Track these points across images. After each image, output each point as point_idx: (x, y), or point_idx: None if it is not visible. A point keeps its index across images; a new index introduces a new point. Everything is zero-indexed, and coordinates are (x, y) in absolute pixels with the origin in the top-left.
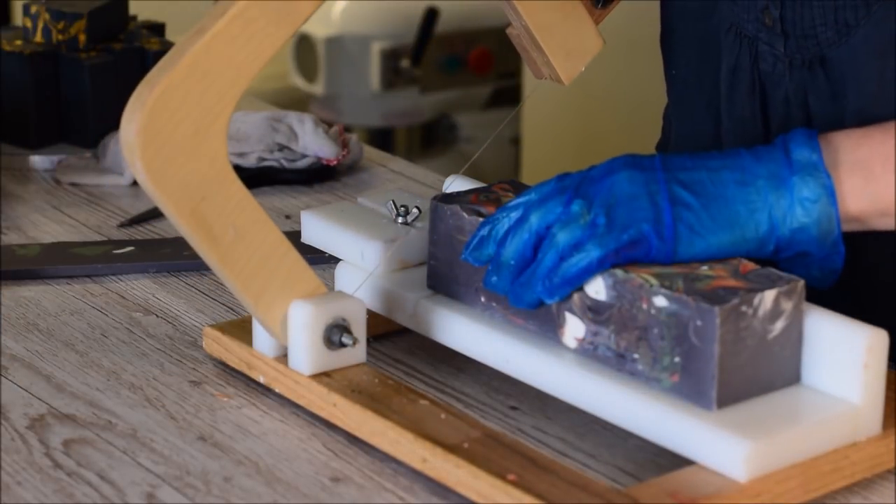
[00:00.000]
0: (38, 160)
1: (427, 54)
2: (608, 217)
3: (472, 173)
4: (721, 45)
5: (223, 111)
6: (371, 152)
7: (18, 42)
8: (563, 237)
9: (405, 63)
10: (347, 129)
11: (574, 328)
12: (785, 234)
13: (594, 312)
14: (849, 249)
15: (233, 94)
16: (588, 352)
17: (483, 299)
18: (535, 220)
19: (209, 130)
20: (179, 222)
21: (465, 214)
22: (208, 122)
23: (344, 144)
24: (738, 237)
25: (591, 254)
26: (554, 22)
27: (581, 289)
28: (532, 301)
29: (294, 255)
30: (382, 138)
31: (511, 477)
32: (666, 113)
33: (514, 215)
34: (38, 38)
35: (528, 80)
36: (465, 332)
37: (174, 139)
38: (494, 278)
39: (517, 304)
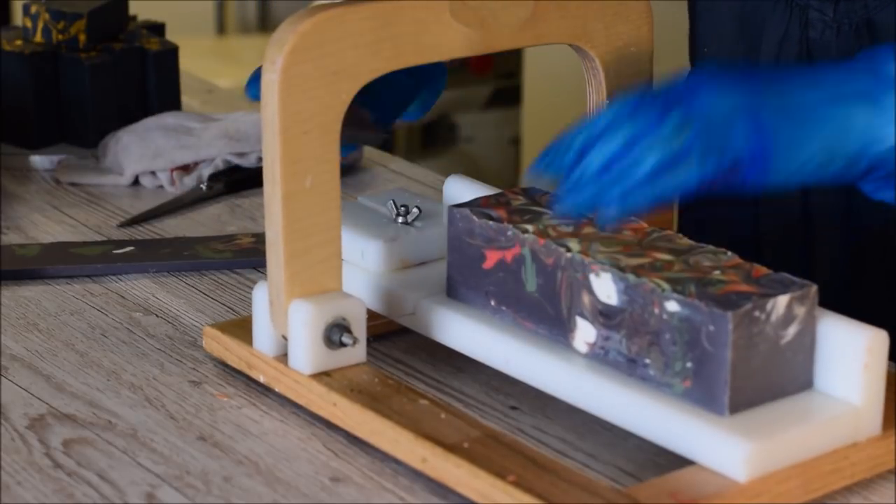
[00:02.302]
0: (38, 160)
1: None
2: (703, 139)
3: (472, 173)
4: (765, 18)
5: (371, 69)
6: (371, 152)
7: (18, 42)
8: (653, 156)
9: None
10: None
11: (585, 332)
12: (878, 151)
13: (605, 317)
14: (849, 249)
15: (387, 58)
16: (599, 356)
17: (493, 303)
18: (625, 131)
19: (349, 77)
20: (276, 142)
21: (475, 217)
22: (354, 70)
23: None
24: (829, 157)
25: (685, 178)
26: None
27: (592, 293)
28: (587, 206)
29: (338, 246)
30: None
31: (511, 477)
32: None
33: (602, 123)
34: (38, 38)
35: (529, 81)
36: (473, 334)
37: (319, 62)
38: (570, 194)
39: (571, 209)
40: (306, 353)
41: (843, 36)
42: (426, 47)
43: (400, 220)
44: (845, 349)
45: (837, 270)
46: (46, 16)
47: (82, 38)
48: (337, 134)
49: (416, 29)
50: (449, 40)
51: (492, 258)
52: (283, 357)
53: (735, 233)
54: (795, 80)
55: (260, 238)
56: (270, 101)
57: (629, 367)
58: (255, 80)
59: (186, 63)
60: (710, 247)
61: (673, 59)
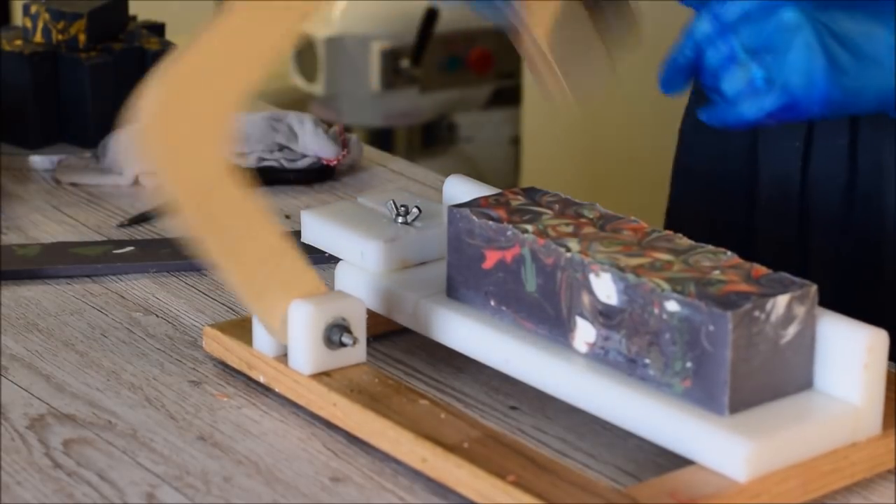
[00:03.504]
0: (38, 160)
1: (427, 54)
2: (767, 72)
3: (472, 173)
4: None
5: (233, 103)
6: (371, 152)
7: (18, 42)
8: (726, 87)
9: (405, 63)
10: (347, 129)
11: (585, 332)
12: None
13: (605, 317)
14: (850, 249)
15: (243, 84)
16: (599, 356)
17: (493, 303)
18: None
19: (220, 120)
20: (186, 213)
21: (474, 217)
22: (220, 112)
23: (344, 144)
24: (886, 86)
25: (747, 114)
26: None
27: (592, 293)
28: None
29: (294, 254)
30: (382, 138)
31: (511, 477)
32: (695, 87)
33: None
34: (38, 38)
35: (529, 80)
36: (473, 334)
37: (186, 127)
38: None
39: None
40: (306, 354)
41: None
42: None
43: (400, 220)
44: (845, 349)
45: (833, 274)
46: (46, 16)
47: (82, 38)
48: (235, 168)
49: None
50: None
51: (491, 258)
52: (283, 357)
53: (730, 236)
54: (858, 14)
55: None
56: (166, 184)
57: (629, 367)
58: None
59: None
60: (710, 247)
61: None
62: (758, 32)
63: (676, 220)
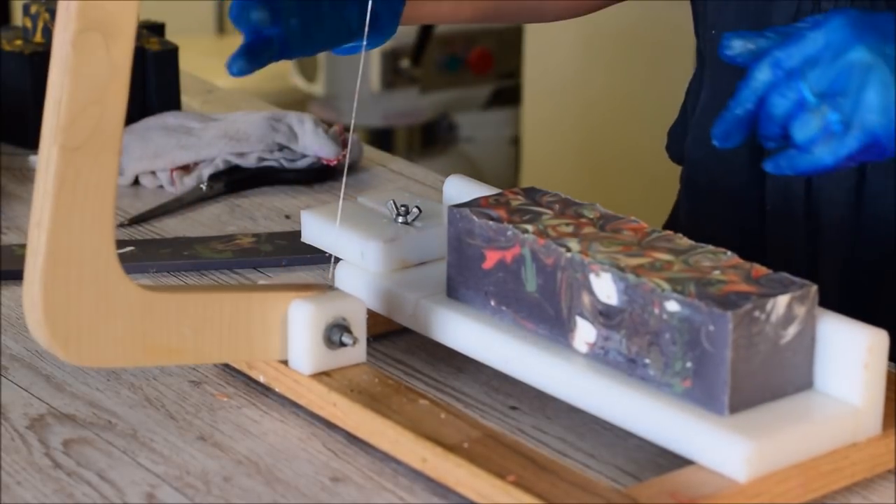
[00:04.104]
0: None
1: (427, 54)
2: (844, 115)
3: (472, 173)
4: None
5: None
6: (371, 152)
7: (18, 42)
8: (798, 135)
9: (405, 63)
10: (347, 129)
11: (585, 332)
12: None
13: (605, 317)
14: (850, 250)
15: (102, 243)
16: (599, 356)
17: (493, 303)
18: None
19: (106, 280)
20: (140, 364)
21: (474, 217)
22: (102, 278)
23: (344, 144)
24: None
25: (825, 159)
26: None
27: (592, 293)
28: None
29: (233, 297)
30: (382, 138)
31: (511, 477)
32: (689, 88)
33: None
34: (38, 38)
35: (529, 81)
36: (473, 334)
37: (82, 314)
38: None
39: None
40: (306, 354)
41: (857, 4)
42: None
43: (400, 220)
44: (845, 349)
45: (842, 277)
46: (46, 16)
47: None
48: (152, 293)
49: None
50: None
51: (492, 258)
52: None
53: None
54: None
55: (260, 238)
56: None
57: (629, 367)
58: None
59: (186, 63)
60: (710, 247)
61: (674, 59)
62: (826, 75)
63: (686, 231)
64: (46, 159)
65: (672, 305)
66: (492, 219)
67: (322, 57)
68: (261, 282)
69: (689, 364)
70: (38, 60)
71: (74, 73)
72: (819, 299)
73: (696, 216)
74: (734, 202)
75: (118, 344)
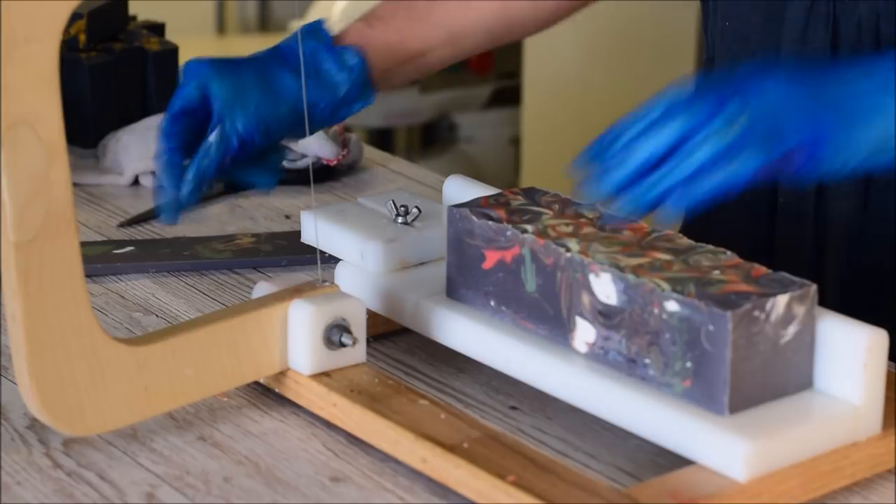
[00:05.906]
0: None
1: None
2: (758, 129)
3: (472, 173)
4: None
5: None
6: (371, 152)
7: None
8: (710, 147)
9: None
10: (347, 129)
11: (585, 333)
12: None
13: (605, 317)
14: (850, 250)
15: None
16: (599, 356)
17: (493, 303)
18: (679, 122)
19: (83, 353)
20: (149, 416)
21: (474, 218)
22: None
23: (344, 144)
24: (882, 145)
25: (741, 168)
26: None
27: (592, 293)
28: (649, 204)
29: (226, 325)
30: (382, 138)
31: (511, 477)
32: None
33: (655, 114)
34: None
35: (529, 81)
36: (473, 334)
37: (79, 389)
38: (606, 179)
39: (631, 206)
40: (306, 354)
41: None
42: None
43: (399, 220)
44: (845, 349)
45: (849, 279)
46: None
47: (82, 38)
48: (129, 348)
49: None
50: None
51: (491, 258)
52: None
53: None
54: (847, 71)
55: (260, 238)
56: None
57: (629, 367)
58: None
59: None
60: (710, 246)
61: (674, 59)
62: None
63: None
64: (5, 257)
65: (672, 305)
66: (491, 219)
67: None
68: (261, 282)
69: (688, 364)
70: None
71: (11, 170)
72: (821, 299)
73: (700, 216)
74: (743, 200)
75: (122, 405)
